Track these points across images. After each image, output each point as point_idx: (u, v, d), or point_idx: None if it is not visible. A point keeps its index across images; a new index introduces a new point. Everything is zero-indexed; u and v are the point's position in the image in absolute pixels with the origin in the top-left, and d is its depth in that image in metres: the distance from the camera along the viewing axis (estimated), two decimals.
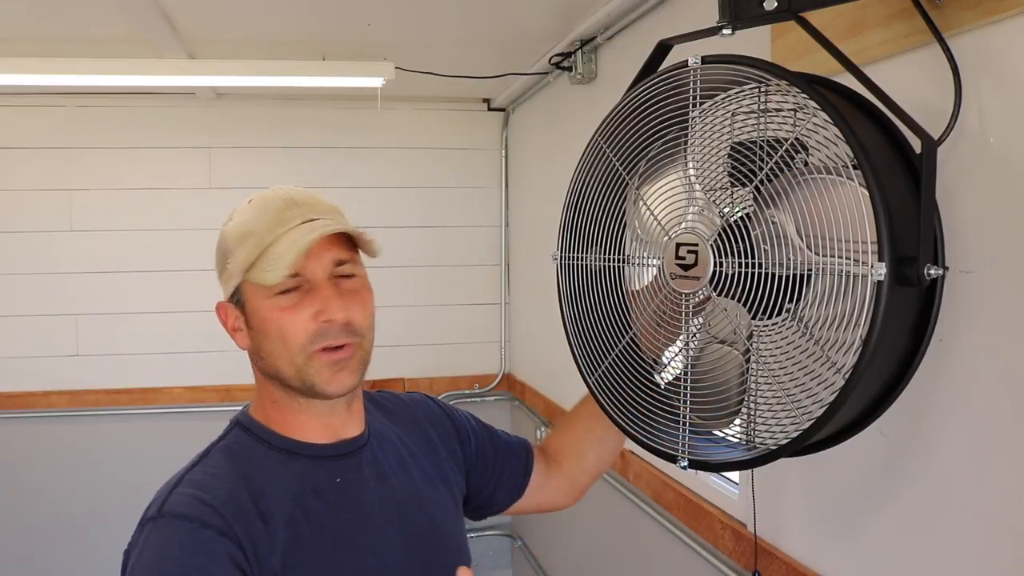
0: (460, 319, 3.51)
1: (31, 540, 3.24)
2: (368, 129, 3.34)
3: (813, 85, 0.88)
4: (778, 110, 0.93)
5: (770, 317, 0.92)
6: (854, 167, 0.84)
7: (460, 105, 3.44)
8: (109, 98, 3.16)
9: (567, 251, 1.17)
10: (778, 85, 0.91)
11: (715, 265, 0.96)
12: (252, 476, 0.99)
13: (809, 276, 0.89)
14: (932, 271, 0.86)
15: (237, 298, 1.01)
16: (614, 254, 1.12)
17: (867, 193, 0.82)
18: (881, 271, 0.81)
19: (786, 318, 0.91)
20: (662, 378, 1.07)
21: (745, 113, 0.96)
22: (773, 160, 0.92)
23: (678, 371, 1.05)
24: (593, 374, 1.14)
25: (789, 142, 0.91)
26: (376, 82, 2.44)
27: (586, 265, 1.15)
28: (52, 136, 3.16)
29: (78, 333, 3.23)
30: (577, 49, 2.34)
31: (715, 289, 0.97)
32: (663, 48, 1.11)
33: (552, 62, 2.47)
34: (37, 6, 2.09)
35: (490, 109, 3.47)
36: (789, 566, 1.36)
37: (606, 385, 1.12)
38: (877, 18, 1.08)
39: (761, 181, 0.94)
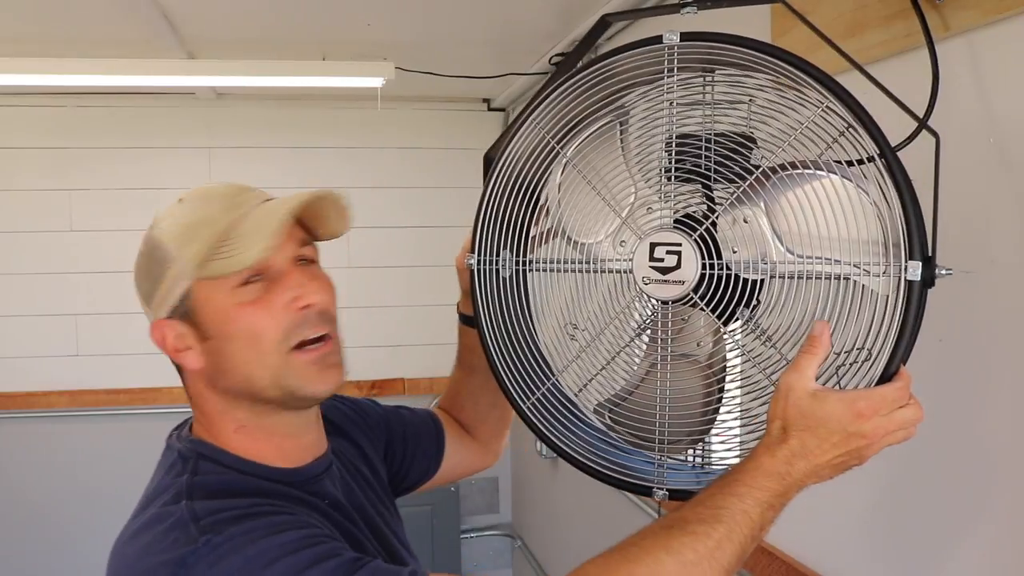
0: None
1: (31, 540, 3.24)
2: (368, 129, 3.34)
3: (830, 77, 0.81)
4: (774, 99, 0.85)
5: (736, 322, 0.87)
6: (859, 163, 0.82)
7: (460, 105, 3.43)
8: (109, 98, 3.15)
9: (487, 254, 0.97)
10: (793, 78, 0.81)
11: (699, 268, 0.87)
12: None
13: (804, 278, 0.84)
14: (943, 271, 0.82)
15: (183, 309, 0.89)
16: (585, 255, 0.94)
17: (881, 193, 0.79)
18: (880, 270, 0.81)
19: (748, 328, 0.87)
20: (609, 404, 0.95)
21: (728, 103, 0.87)
22: (758, 159, 0.86)
23: (615, 393, 0.95)
24: (527, 401, 0.96)
25: (787, 142, 0.89)
26: (376, 82, 2.44)
27: (518, 270, 0.96)
28: (52, 136, 3.15)
29: (78, 333, 3.23)
30: None
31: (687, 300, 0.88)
32: (603, 24, 1.00)
33: (552, 62, 2.47)
34: (37, 6, 2.09)
35: (490, 109, 3.46)
36: (789, 566, 1.36)
37: (544, 413, 0.95)
38: (877, 18, 1.08)
39: (739, 176, 0.86)
